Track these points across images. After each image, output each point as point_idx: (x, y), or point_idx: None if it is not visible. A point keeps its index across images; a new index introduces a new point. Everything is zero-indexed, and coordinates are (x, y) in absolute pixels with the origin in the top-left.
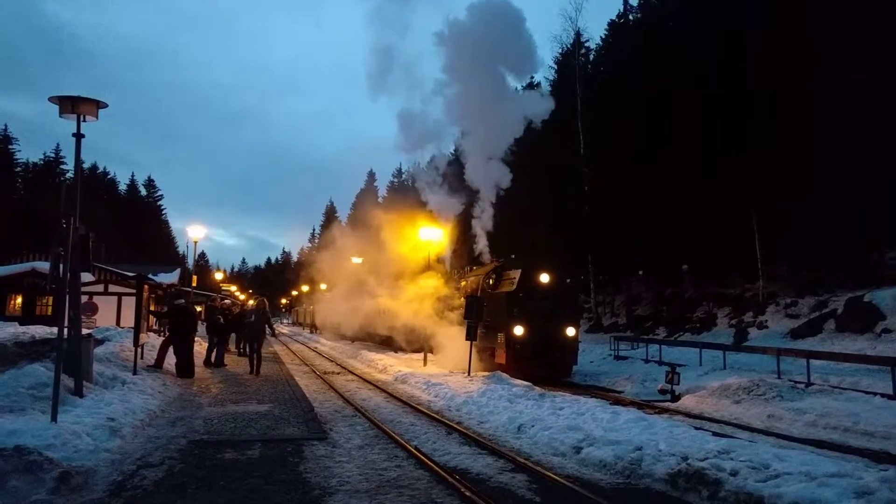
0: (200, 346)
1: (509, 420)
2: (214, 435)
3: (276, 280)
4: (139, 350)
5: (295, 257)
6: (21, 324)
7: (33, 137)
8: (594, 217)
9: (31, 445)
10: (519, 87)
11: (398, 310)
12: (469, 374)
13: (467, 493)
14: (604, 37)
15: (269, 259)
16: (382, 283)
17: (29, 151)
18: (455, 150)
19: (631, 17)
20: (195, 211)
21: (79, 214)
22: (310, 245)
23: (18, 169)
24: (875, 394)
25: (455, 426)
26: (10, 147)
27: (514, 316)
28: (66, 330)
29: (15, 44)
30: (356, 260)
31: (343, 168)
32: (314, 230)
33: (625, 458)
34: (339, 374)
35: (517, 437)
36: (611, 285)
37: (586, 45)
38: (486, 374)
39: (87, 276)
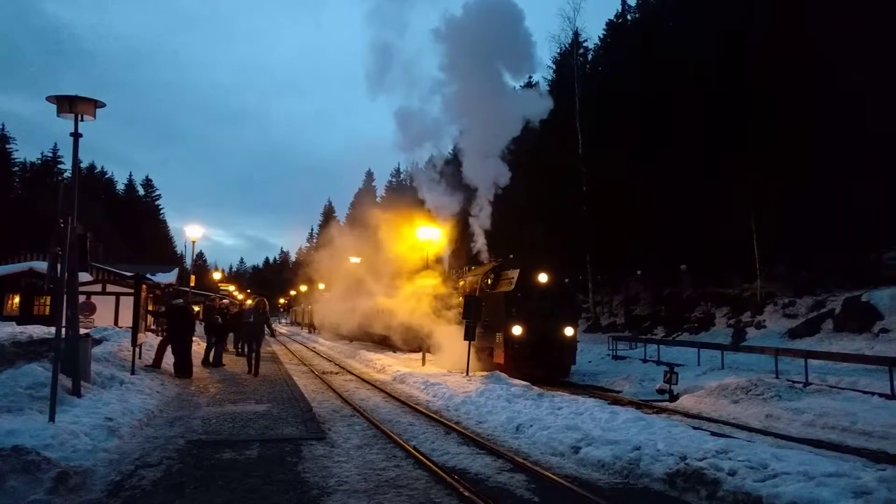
0: (199, 346)
1: (508, 420)
2: (213, 435)
3: (274, 280)
4: (137, 350)
5: (293, 257)
6: (19, 323)
7: (31, 137)
8: (593, 217)
9: (28, 445)
10: (517, 87)
11: (396, 310)
12: (467, 374)
13: (466, 493)
14: (602, 37)
15: (267, 259)
16: (381, 282)
17: (27, 151)
18: (454, 150)
19: (629, 17)
20: (194, 211)
21: (76, 214)
22: (308, 245)
23: (16, 168)
24: (873, 393)
25: (453, 426)
26: (7, 146)
27: (513, 316)
28: (63, 330)
29: (14, 43)
30: (354, 260)
31: (342, 168)
32: (312, 230)
33: (623, 458)
34: (337, 373)
35: (516, 437)
36: (609, 285)
37: (585, 45)
38: (484, 373)
39: (84, 276)
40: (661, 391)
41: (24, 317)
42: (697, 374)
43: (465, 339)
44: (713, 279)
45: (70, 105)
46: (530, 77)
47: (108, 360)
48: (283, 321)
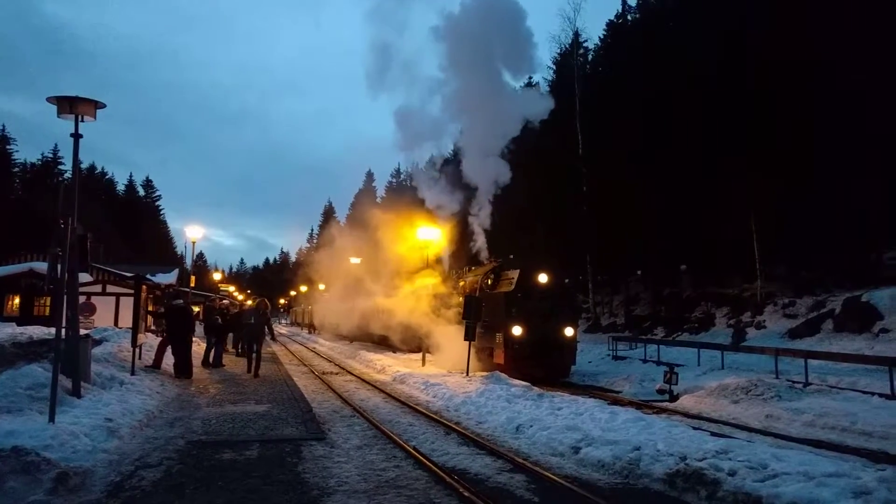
0: (199, 347)
1: (508, 420)
2: (213, 435)
3: (274, 280)
4: (137, 350)
5: (293, 258)
6: (19, 324)
7: (31, 138)
8: (593, 217)
9: (28, 446)
10: (518, 87)
11: (397, 310)
12: (467, 375)
13: (466, 494)
14: (602, 37)
15: (267, 259)
16: (381, 283)
17: (27, 152)
18: (454, 150)
19: (629, 17)
20: (194, 211)
21: (77, 215)
22: (308, 245)
23: (16, 169)
24: (873, 394)
25: (453, 426)
26: (8, 147)
27: (513, 316)
28: (63, 330)
29: (14, 44)
30: (354, 260)
31: (342, 168)
32: (312, 230)
33: (623, 458)
34: (337, 374)
35: (516, 438)
36: (609, 285)
37: (585, 45)
38: (484, 374)
39: (85, 277)
40: (661, 391)
41: (25, 317)
42: (697, 374)
43: (465, 340)
44: (713, 279)
45: (70, 106)
46: (530, 77)
47: (108, 361)
48: (283, 321)
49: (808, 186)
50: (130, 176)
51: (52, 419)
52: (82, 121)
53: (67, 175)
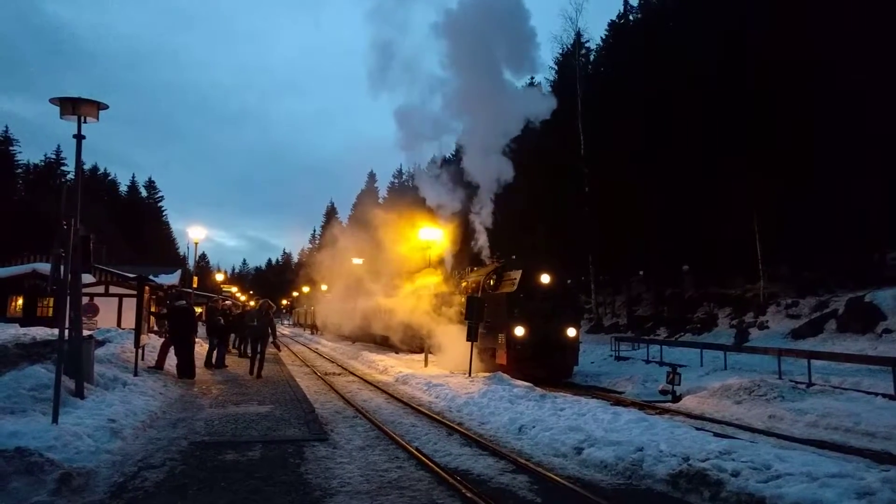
0: (201, 348)
1: (510, 421)
2: (215, 436)
3: (276, 281)
4: (140, 351)
5: (295, 258)
6: (22, 325)
7: (34, 139)
8: (594, 217)
9: (32, 447)
10: (520, 85)
11: (399, 311)
12: (470, 375)
13: (468, 495)
14: (604, 37)
15: (269, 260)
16: (383, 283)
17: (30, 153)
18: (456, 149)
19: (631, 17)
20: (195, 212)
21: (79, 216)
22: (310, 246)
23: (19, 170)
24: (876, 394)
25: (456, 427)
26: (10, 148)
27: (515, 317)
28: (66, 331)
29: (15, 44)
30: (357, 261)
31: (343, 168)
32: (315, 231)
33: (626, 459)
34: (339, 375)
35: (518, 438)
36: (611, 286)
37: (587, 45)
38: (486, 374)
39: (87, 278)
40: (663, 392)
41: (28, 318)
42: (700, 374)
43: (467, 340)
44: (715, 280)
45: (73, 107)
46: (532, 77)
47: (111, 362)
48: (286, 322)
49: (809, 186)
50: (133, 177)
51: (55, 420)
52: (85, 122)
53: (70, 176)
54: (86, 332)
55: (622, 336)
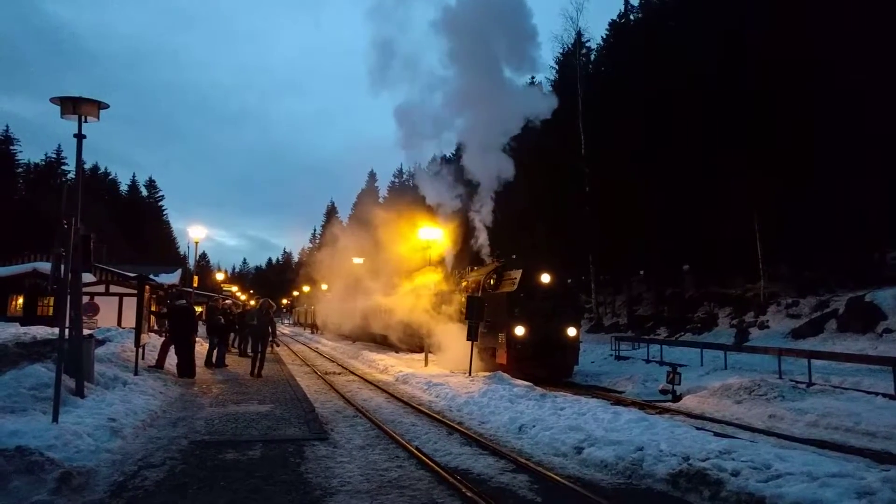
0: (201, 347)
1: (510, 420)
2: (216, 435)
3: (276, 280)
4: (140, 350)
5: (296, 258)
6: (22, 324)
7: (35, 138)
8: (595, 217)
9: (32, 446)
10: (521, 82)
11: (399, 310)
12: (470, 375)
13: (468, 494)
14: (605, 37)
15: (269, 259)
16: (383, 283)
17: (30, 152)
18: (456, 150)
19: (632, 17)
20: (196, 211)
21: (80, 215)
22: (311, 245)
23: (20, 170)
24: (877, 394)
25: (456, 426)
26: (11, 148)
27: (515, 316)
28: (67, 330)
29: (15, 44)
30: (357, 260)
31: (344, 168)
32: (315, 230)
33: (626, 459)
34: (340, 374)
35: (518, 438)
36: (612, 285)
37: (587, 45)
38: (487, 374)
39: (88, 277)
40: (664, 391)
41: (28, 318)
42: (700, 374)
43: (467, 340)
44: (716, 279)
45: (74, 106)
46: (533, 77)
47: (112, 361)
48: (286, 322)
49: (809, 186)
50: (133, 176)
51: (55, 419)
52: (85, 121)
53: (71, 175)
54: (86, 332)
55: (622, 335)
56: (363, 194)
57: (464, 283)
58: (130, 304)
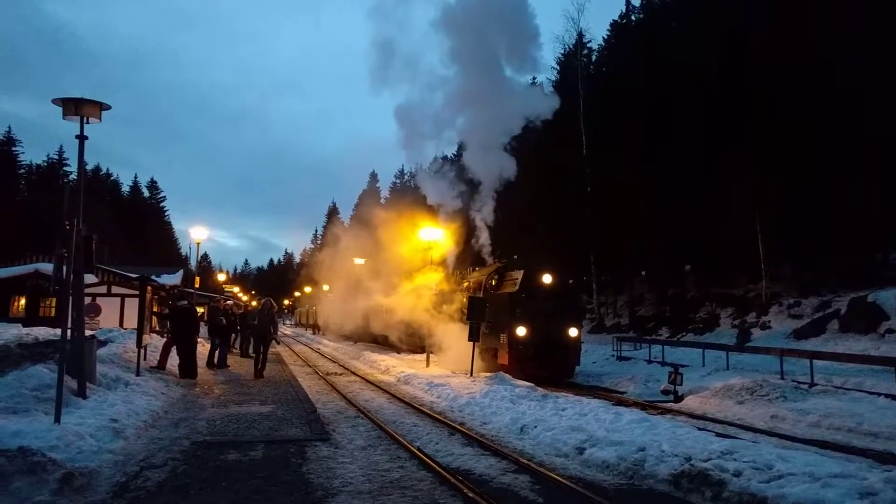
0: (203, 348)
1: (512, 421)
2: (217, 436)
3: (278, 281)
4: (142, 351)
5: (297, 258)
6: (24, 325)
7: (36, 139)
8: (596, 217)
9: (34, 446)
10: (522, 81)
11: (401, 311)
12: (471, 375)
13: (470, 495)
14: (606, 37)
15: (271, 260)
16: (385, 283)
17: (32, 153)
18: (458, 151)
19: (633, 17)
20: (197, 212)
21: (82, 216)
22: (312, 246)
23: (22, 171)
24: (879, 394)
25: (458, 427)
26: (13, 149)
27: (517, 317)
28: (69, 331)
29: (17, 45)
30: (358, 261)
31: (345, 168)
32: (316, 231)
33: (628, 459)
34: (341, 375)
35: (520, 438)
36: (613, 286)
37: (588, 45)
38: (488, 374)
39: (90, 278)
40: (665, 392)
41: (30, 318)
42: (702, 374)
43: (469, 340)
44: (718, 279)
45: (76, 107)
46: (534, 78)
47: (113, 362)
48: (288, 322)
49: (811, 186)
50: (135, 177)
51: (57, 420)
52: (87, 122)
53: (72, 176)
54: (88, 333)
55: (624, 336)
56: (364, 195)
57: (465, 284)
58: (132, 305)
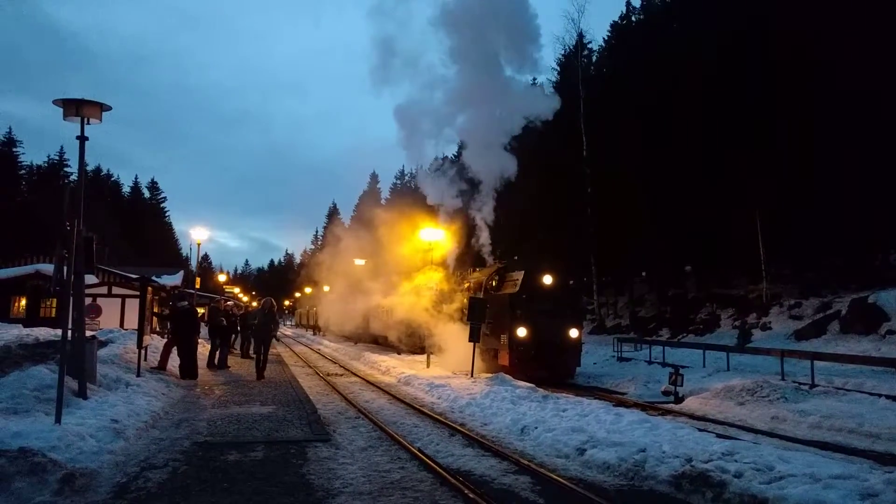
0: (203, 348)
1: (513, 422)
2: (218, 437)
3: (278, 282)
4: (143, 352)
5: (298, 259)
6: (25, 326)
7: (37, 140)
8: (597, 218)
9: (35, 447)
10: (523, 80)
11: (401, 311)
12: (472, 376)
13: (471, 496)
14: (606, 38)
15: (271, 261)
16: (385, 284)
17: (33, 154)
18: (458, 151)
19: (633, 18)
20: (197, 212)
21: (83, 217)
22: (313, 247)
23: (23, 171)
24: (880, 395)
25: (458, 428)
26: (14, 150)
27: (518, 317)
28: (69, 332)
29: (17, 46)
30: (359, 262)
31: (345, 169)
32: (317, 232)
33: (628, 460)
34: (342, 375)
35: (521, 439)
36: (614, 287)
37: (589, 46)
38: (489, 375)
39: (90, 279)
40: (666, 393)
41: (31, 319)
42: (703, 375)
43: (469, 341)
44: (718, 280)
45: (76, 108)
46: (534, 79)
47: (114, 363)
48: (288, 323)
49: (811, 186)
50: (136, 178)
51: (58, 420)
52: (88, 123)
53: (73, 177)
54: (89, 333)
55: (624, 337)
56: (365, 195)
57: (466, 285)
58: (133, 306)
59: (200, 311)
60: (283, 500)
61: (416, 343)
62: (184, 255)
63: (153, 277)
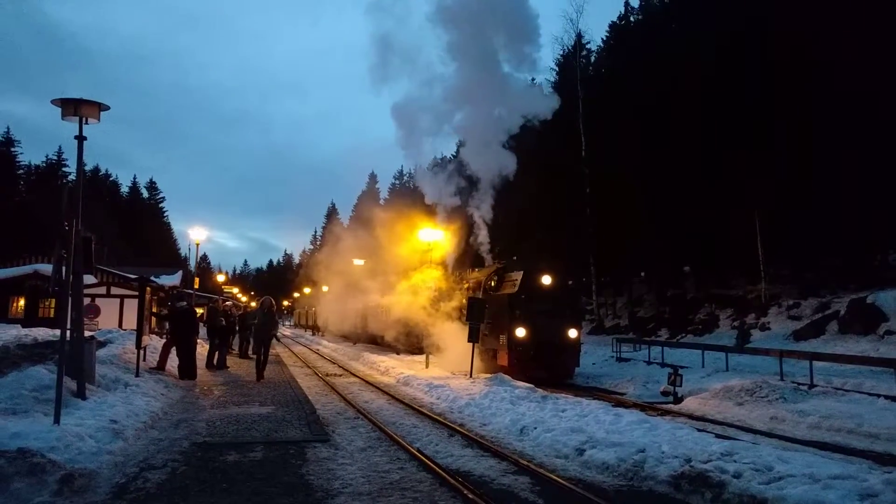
0: (202, 349)
1: (512, 422)
2: (217, 437)
3: (277, 282)
4: (141, 352)
5: (297, 259)
6: (23, 326)
7: (35, 140)
8: (595, 218)
9: (34, 448)
10: (523, 78)
11: (400, 312)
12: (471, 377)
13: (470, 496)
14: (605, 38)
15: (270, 261)
16: (384, 284)
17: (31, 154)
18: (457, 151)
19: (632, 18)
20: (196, 212)
21: (81, 217)
22: (311, 247)
23: (21, 171)
24: (878, 395)
25: (457, 428)
26: (12, 149)
27: (517, 318)
28: (68, 332)
29: (16, 45)
30: (358, 262)
31: (345, 169)
32: (316, 232)
33: (627, 461)
34: (341, 376)
35: (520, 440)
36: (613, 287)
37: (587, 46)
38: (488, 376)
39: (89, 279)
40: (665, 393)
41: (29, 319)
42: (702, 376)
43: (468, 342)
44: (717, 281)
45: (75, 108)
46: (533, 79)
47: (113, 363)
48: (287, 323)
49: (810, 187)
50: (134, 178)
51: (57, 421)
52: (86, 123)
53: (71, 177)
54: (87, 333)
55: (623, 337)
56: (364, 196)
57: (465, 285)
58: (131, 306)
59: (199, 311)
60: (282, 501)
61: (414, 343)
62: (182, 255)
63: (152, 278)
